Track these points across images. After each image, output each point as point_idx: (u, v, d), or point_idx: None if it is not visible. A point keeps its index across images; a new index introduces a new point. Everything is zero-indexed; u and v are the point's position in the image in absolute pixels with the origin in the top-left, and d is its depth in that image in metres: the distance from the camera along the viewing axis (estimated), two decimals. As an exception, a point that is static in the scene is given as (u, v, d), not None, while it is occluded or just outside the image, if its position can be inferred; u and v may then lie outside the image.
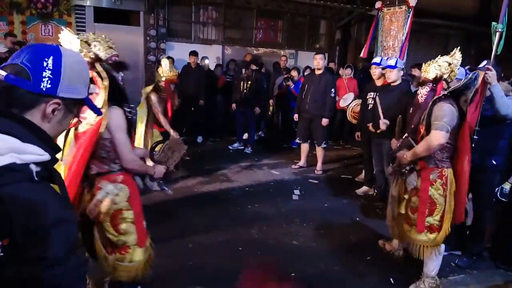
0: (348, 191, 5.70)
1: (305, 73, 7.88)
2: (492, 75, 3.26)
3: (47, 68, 1.07)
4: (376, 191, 5.45)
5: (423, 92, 3.28)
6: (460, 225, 3.83)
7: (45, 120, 1.09)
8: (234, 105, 7.69)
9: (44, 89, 1.06)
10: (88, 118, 2.35)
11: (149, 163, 2.87)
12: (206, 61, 8.81)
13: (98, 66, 2.35)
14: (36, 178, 0.95)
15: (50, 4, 7.67)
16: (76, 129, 2.45)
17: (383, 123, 4.82)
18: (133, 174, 2.60)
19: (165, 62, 5.36)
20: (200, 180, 5.83)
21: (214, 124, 8.65)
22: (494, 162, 3.52)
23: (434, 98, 3.07)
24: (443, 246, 3.23)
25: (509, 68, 5.18)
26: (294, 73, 8.12)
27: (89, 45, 2.39)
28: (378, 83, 5.31)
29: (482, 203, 3.66)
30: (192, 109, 7.93)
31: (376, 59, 5.49)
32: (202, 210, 4.75)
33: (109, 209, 2.43)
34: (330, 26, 10.68)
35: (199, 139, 8.20)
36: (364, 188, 5.69)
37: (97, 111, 1.36)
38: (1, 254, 0.89)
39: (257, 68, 7.68)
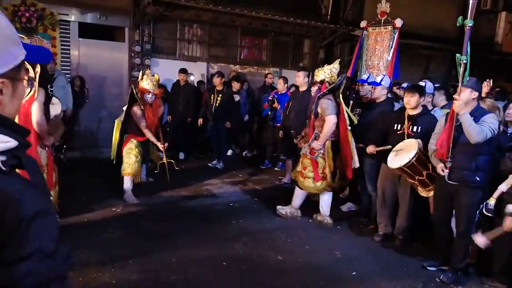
0: (332, 207, 5.66)
1: (291, 90, 7.56)
2: (459, 105, 3.33)
3: None
4: (360, 207, 5.47)
5: (314, 90, 4.87)
6: (447, 240, 3.88)
7: None
8: (200, 120, 7.70)
9: None
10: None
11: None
12: (191, 77, 8.80)
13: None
14: (3, 168, 0.84)
15: (34, 19, 7.55)
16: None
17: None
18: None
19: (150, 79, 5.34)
20: (184, 195, 5.76)
21: (197, 140, 8.59)
22: (477, 179, 3.54)
23: (318, 95, 4.65)
24: (330, 193, 4.93)
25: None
26: (280, 86, 7.47)
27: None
28: (366, 99, 5.33)
29: (465, 219, 3.65)
30: (180, 126, 7.91)
31: (363, 76, 5.51)
32: (186, 225, 4.68)
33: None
34: (314, 45, 10.83)
35: (181, 155, 8.10)
36: (349, 204, 5.69)
37: (47, 58, 1.24)
38: None
39: (229, 85, 7.75)
